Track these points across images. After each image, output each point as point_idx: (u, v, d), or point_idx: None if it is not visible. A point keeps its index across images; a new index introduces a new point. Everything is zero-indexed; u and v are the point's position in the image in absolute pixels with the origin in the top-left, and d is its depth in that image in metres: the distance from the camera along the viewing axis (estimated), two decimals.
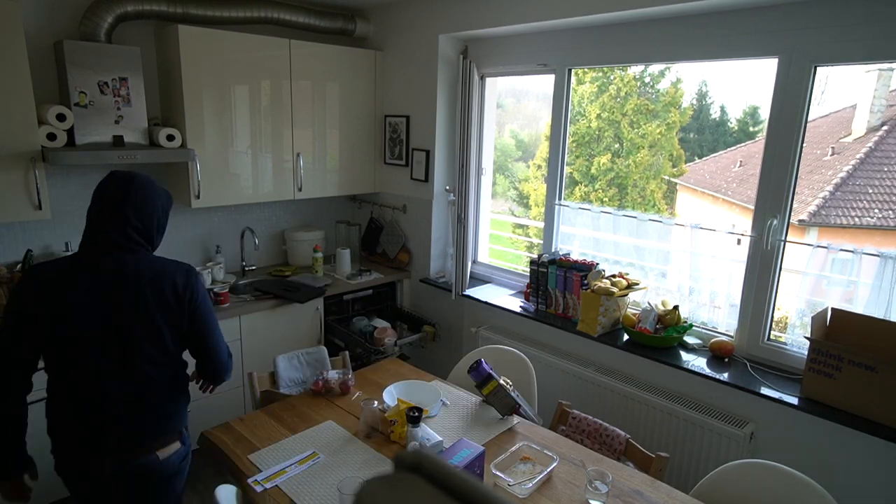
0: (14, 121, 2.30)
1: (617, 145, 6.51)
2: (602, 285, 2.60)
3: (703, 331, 2.62)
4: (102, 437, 1.54)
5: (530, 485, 1.67)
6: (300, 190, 3.33)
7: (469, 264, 3.40)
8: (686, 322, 2.58)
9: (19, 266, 2.60)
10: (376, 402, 1.95)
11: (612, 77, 6.24)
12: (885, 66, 4.04)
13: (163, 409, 1.62)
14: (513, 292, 3.25)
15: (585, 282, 2.71)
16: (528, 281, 3.03)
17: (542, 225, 3.19)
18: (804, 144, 2.22)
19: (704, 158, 6.57)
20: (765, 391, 2.17)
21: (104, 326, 1.50)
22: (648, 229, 2.75)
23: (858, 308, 2.19)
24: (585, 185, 6.52)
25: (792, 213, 2.30)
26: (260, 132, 3.10)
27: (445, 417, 2.10)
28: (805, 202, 4.82)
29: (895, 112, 4.93)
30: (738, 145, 6.41)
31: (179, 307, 1.60)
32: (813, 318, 2.15)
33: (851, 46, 2.03)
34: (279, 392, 2.30)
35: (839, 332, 2.13)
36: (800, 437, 2.18)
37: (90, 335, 1.49)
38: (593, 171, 6.47)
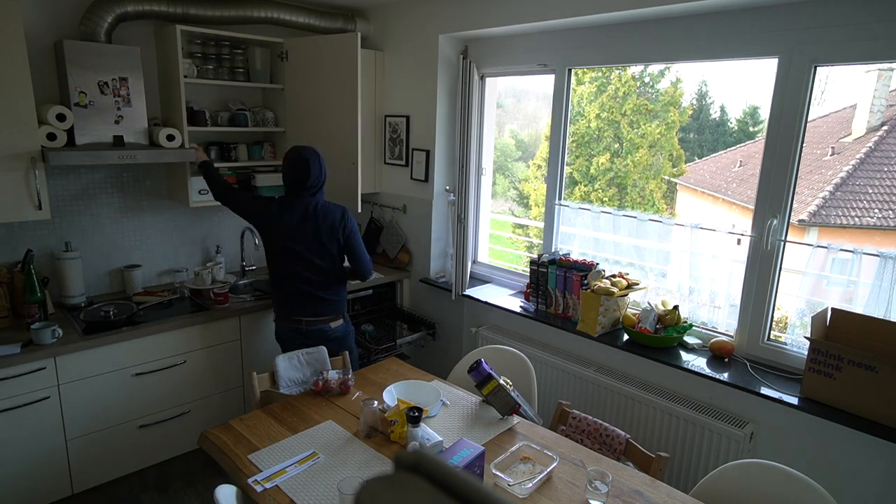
0: (14, 121, 2.30)
1: (616, 145, 6.51)
2: (602, 285, 2.60)
3: (703, 331, 2.62)
4: (298, 309, 2.60)
5: (530, 485, 1.67)
6: None
7: (469, 264, 3.40)
8: (686, 322, 2.58)
9: (19, 266, 2.60)
10: (376, 402, 1.95)
11: (611, 77, 6.24)
12: (885, 66, 4.04)
13: (329, 296, 2.62)
14: (513, 292, 3.25)
15: (585, 282, 2.71)
16: (528, 281, 3.03)
17: (542, 225, 3.19)
18: (804, 144, 2.22)
19: (704, 158, 6.57)
20: (765, 391, 2.17)
21: (297, 241, 2.54)
22: (648, 229, 2.75)
23: (858, 308, 2.19)
24: (585, 185, 6.52)
25: (792, 213, 2.30)
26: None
27: (445, 417, 2.10)
28: (805, 202, 4.82)
29: (895, 112, 4.93)
30: (738, 145, 6.41)
31: (337, 232, 2.57)
32: (813, 318, 2.15)
33: (851, 46, 2.03)
34: (279, 392, 2.30)
35: (839, 332, 2.13)
36: (800, 437, 2.18)
37: (289, 246, 2.54)
38: (592, 170, 6.47)
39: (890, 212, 4.73)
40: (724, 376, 2.29)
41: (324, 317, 2.62)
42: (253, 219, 2.63)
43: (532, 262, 2.95)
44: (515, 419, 2.09)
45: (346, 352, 2.56)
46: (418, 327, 3.37)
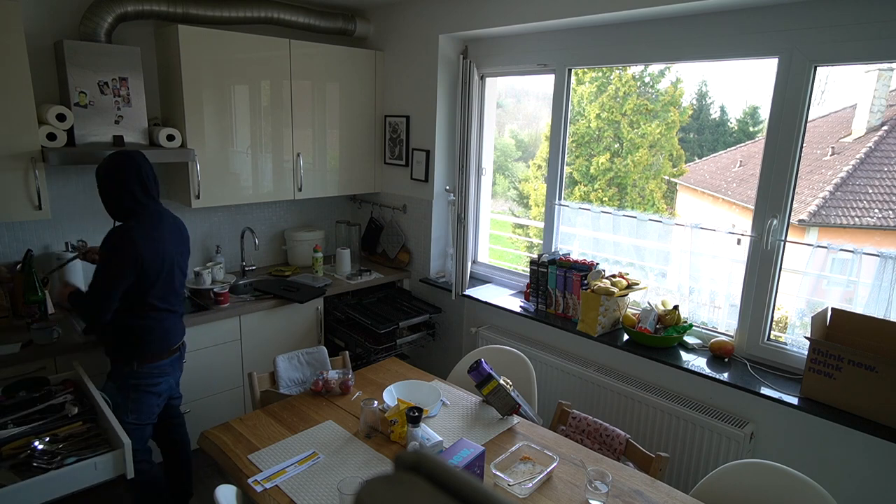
0: (14, 121, 2.30)
1: (616, 145, 6.51)
2: (602, 285, 2.60)
3: (703, 331, 2.62)
4: (180, 335, 2.31)
5: (530, 485, 1.67)
6: (300, 190, 3.33)
7: (469, 264, 3.40)
8: (686, 322, 2.58)
9: (19, 266, 2.60)
10: (376, 402, 1.95)
11: (611, 77, 6.24)
12: (885, 66, 4.04)
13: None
14: (513, 292, 3.25)
15: (585, 282, 2.71)
16: (528, 281, 3.03)
17: (542, 225, 3.19)
18: (804, 144, 2.22)
19: (704, 158, 6.56)
20: (765, 391, 2.17)
21: (176, 258, 2.23)
22: (648, 229, 2.75)
23: (858, 308, 2.19)
24: (585, 185, 6.52)
25: (792, 213, 2.31)
26: (260, 132, 3.10)
27: (445, 417, 2.10)
28: (805, 202, 4.82)
29: (895, 112, 4.93)
30: (738, 145, 6.40)
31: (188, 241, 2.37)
32: (813, 318, 2.15)
33: (851, 46, 2.03)
34: (279, 392, 2.30)
35: (839, 332, 2.13)
36: (800, 437, 2.18)
37: (170, 267, 2.20)
38: (592, 170, 6.47)
39: (890, 212, 4.72)
40: (724, 376, 2.29)
41: (182, 333, 2.35)
42: (140, 277, 2.07)
43: (532, 262, 2.95)
44: (515, 419, 2.09)
45: (346, 352, 2.56)
46: (418, 326, 3.37)
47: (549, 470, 1.73)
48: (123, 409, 2.12)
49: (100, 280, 2.02)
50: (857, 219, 4.71)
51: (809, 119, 2.19)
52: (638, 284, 2.72)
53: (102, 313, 2.03)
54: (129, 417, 2.13)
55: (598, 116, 6.55)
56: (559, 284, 2.85)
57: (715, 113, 6.53)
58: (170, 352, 2.23)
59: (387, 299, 3.48)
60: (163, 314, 2.18)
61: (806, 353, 2.10)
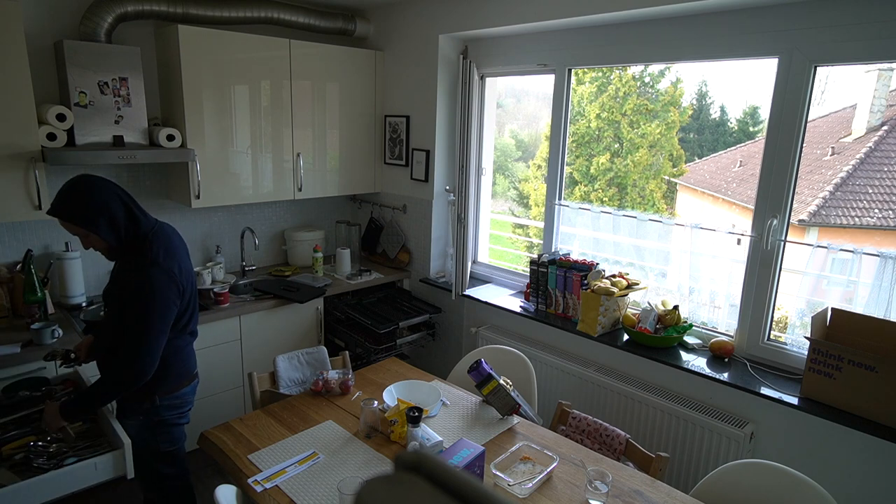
0: (14, 121, 2.30)
1: (616, 145, 6.51)
2: (602, 285, 2.60)
3: (703, 331, 2.62)
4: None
5: (530, 485, 1.67)
6: (300, 190, 3.33)
7: (469, 264, 3.40)
8: (686, 322, 2.58)
9: (19, 266, 2.60)
10: (376, 402, 1.95)
11: (611, 77, 6.24)
12: (885, 66, 4.04)
13: None
14: (513, 292, 3.25)
15: (585, 282, 2.71)
16: (528, 281, 3.03)
17: (542, 225, 3.19)
18: (804, 144, 2.22)
19: (704, 158, 6.56)
20: (765, 391, 2.17)
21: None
22: (648, 229, 2.75)
23: (858, 308, 2.19)
24: (585, 185, 6.52)
25: (792, 213, 2.31)
26: (260, 132, 3.10)
27: (445, 417, 2.10)
28: (805, 202, 4.82)
29: (895, 112, 4.93)
30: (738, 145, 6.40)
31: None
32: (813, 318, 2.15)
33: (851, 46, 2.03)
34: (279, 392, 2.30)
35: (839, 332, 2.13)
36: (800, 437, 2.18)
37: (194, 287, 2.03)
38: (593, 170, 6.47)
39: (890, 212, 4.72)
40: (724, 376, 2.29)
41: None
42: (183, 303, 1.91)
43: (532, 262, 2.95)
44: (515, 419, 2.09)
45: (346, 352, 2.56)
46: (418, 326, 3.37)
47: (549, 470, 1.73)
48: (155, 443, 1.97)
49: (145, 329, 1.76)
50: (857, 219, 4.70)
51: (809, 119, 2.19)
52: (638, 284, 2.72)
53: (152, 366, 1.80)
54: (163, 447, 1.99)
55: (598, 116, 6.56)
56: (559, 284, 2.85)
57: (715, 113, 6.53)
58: (190, 378, 2.05)
59: (387, 299, 3.48)
60: (185, 339, 1.99)
61: (806, 353, 2.10)
